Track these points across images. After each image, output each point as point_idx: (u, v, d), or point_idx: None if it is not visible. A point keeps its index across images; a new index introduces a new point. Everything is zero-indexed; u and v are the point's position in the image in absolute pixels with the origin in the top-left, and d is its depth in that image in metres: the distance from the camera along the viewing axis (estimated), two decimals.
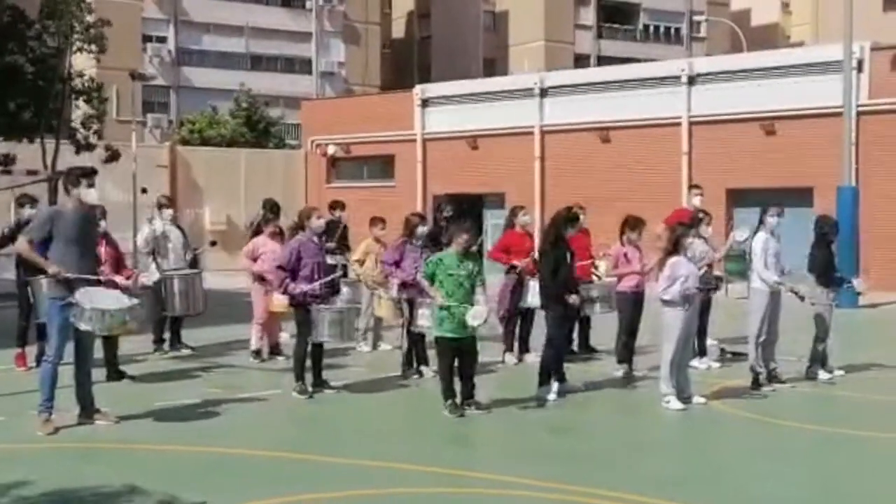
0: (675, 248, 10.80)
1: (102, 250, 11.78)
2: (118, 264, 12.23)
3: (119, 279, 11.49)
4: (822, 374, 12.40)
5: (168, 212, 14.36)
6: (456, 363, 10.35)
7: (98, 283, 9.54)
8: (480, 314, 10.05)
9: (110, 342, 11.95)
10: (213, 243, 16.64)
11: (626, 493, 7.39)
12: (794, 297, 11.78)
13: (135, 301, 9.56)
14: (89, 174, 9.47)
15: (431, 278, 10.33)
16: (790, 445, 9.32)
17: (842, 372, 12.55)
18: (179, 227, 14.55)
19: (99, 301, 9.14)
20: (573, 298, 11.06)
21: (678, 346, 10.64)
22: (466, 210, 19.61)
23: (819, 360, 12.37)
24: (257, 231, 14.32)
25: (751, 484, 7.87)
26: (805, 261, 12.26)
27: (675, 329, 10.64)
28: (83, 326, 9.09)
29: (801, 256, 12.31)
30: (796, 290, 11.72)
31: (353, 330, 12.12)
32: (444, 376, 10.33)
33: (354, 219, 15.89)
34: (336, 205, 15.80)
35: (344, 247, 15.33)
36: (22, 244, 9.46)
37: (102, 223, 11.93)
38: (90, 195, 9.45)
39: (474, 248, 10.72)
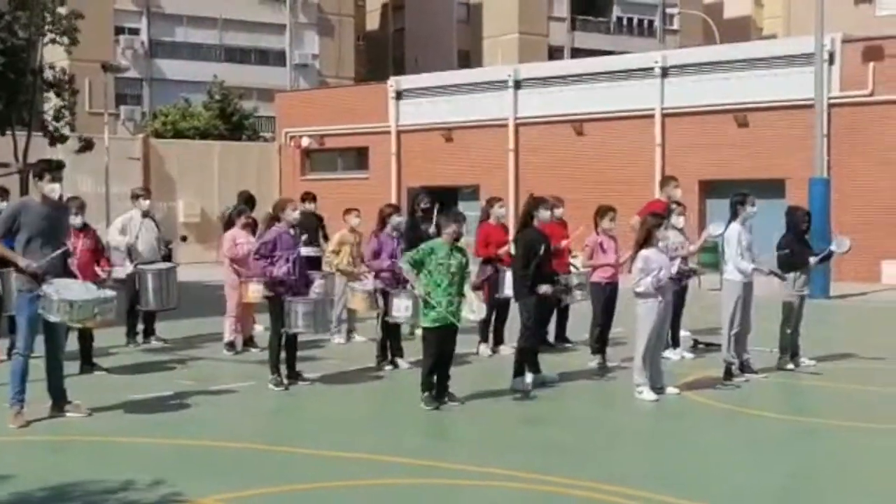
0: (646, 240, 10.83)
1: (80, 243, 11.73)
2: (97, 256, 12.16)
3: (97, 270, 11.52)
4: (806, 362, 12.51)
5: (144, 203, 14.26)
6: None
7: (67, 274, 9.49)
8: (480, 308, 10.13)
9: (85, 334, 11.89)
10: (184, 238, 16.57)
11: (599, 483, 7.42)
12: (772, 280, 11.86)
13: (108, 293, 9.49)
14: (53, 169, 9.37)
15: (418, 265, 10.19)
16: (763, 435, 9.38)
17: (813, 362, 12.65)
18: (153, 220, 14.47)
19: (68, 292, 9.08)
20: (544, 289, 11.03)
21: (651, 338, 10.68)
22: (443, 202, 19.51)
23: (788, 349, 12.46)
24: (229, 223, 14.24)
25: (724, 474, 7.92)
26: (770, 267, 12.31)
27: (648, 320, 10.68)
28: (52, 318, 9.03)
29: (772, 248, 12.37)
30: (776, 272, 11.80)
31: (327, 321, 12.09)
32: (427, 367, 10.28)
33: (329, 211, 15.85)
34: (307, 196, 15.77)
35: (323, 238, 15.33)
36: None
37: (79, 218, 11.92)
38: (53, 190, 9.33)
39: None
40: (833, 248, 12.91)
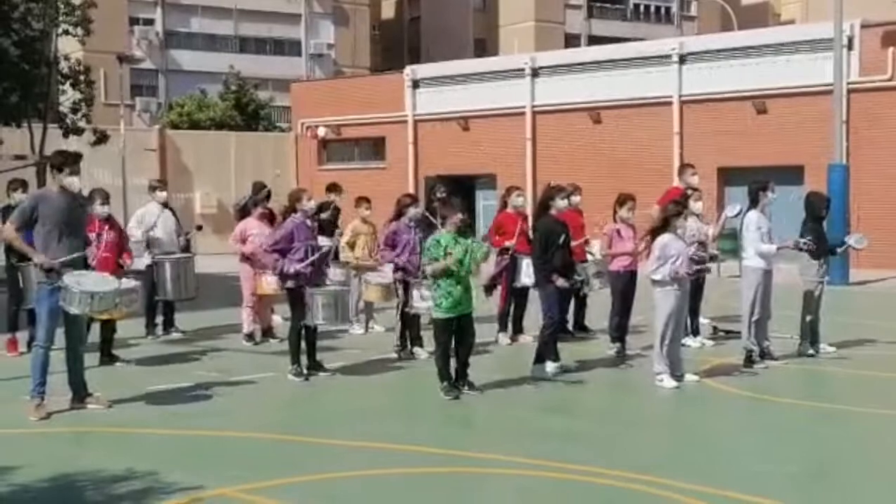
0: (663, 226, 10.78)
1: (104, 235, 11.73)
2: (120, 248, 12.14)
3: (121, 262, 11.54)
4: (826, 348, 12.46)
5: (161, 195, 14.26)
6: (452, 343, 10.33)
7: (86, 266, 9.51)
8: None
9: (107, 326, 11.92)
10: (199, 227, 16.54)
11: (619, 470, 7.39)
12: (792, 268, 11.79)
13: (131, 284, 9.51)
14: (72, 161, 9.37)
15: (435, 260, 10.17)
16: (783, 422, 9.34)
17: (833, 349, 12.59)
18: (172, 211, 14.46)
19: (88, 284, 9.09)
20: (560, 281, 10.99)
21: (669, 325, 10.63)
22: (458, 191, 19.50)
23: (808, 335, 12.40)
24: (244, 213, 14.24)
25: (744, 460, 7.88)
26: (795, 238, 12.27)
27: (666, 308, 10.64)
28: (73, 310, 9.04)
29: (790, 234, 12.31)
30: (802, 242, 11.73)
31: (348, 311, 12.06)
32: (441, 357, 10.30)
33: (345, 201, 15.79)
34: (333, 188, 15.69)
35: (335, 228, 15.24)
36: (9, 231, 9.37)
37: (106, 208, 11.91)
38: (73, 183, 9.35)
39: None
40: (851, 242, 12.81)
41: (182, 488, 7.01)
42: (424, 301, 11.47)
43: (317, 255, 11.22)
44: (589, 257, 13.36)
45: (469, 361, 10.42)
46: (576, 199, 13.69)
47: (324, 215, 13.12)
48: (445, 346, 10.26)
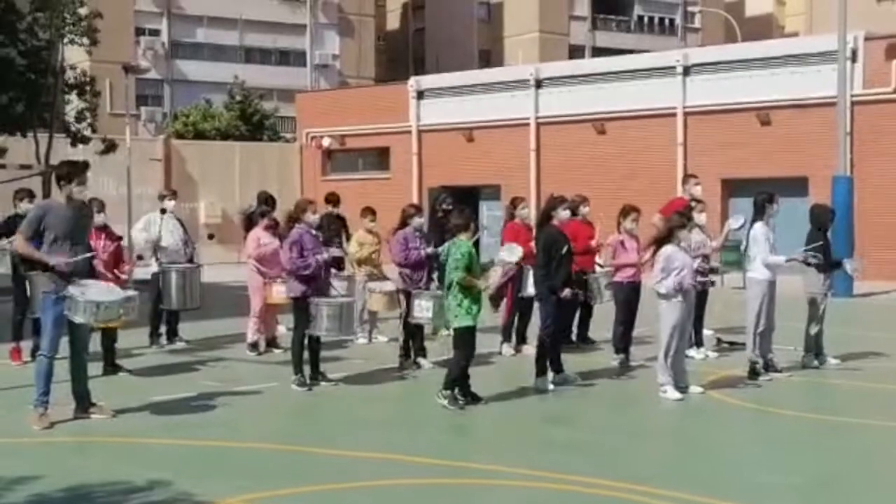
0: (667, 237, 10.78)
1: (101, 243, 11.74)
2: (117, 258, 12.16)
3: (118, 273, 11.52)
4: (830, 360, 12.45)
5: (170, 203, 14.30)
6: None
7: (93, 275, 9.53)
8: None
9: (108, 335, 11.92)
10: (211, 236, 16.61)
11: (623, 482, 7.39)
12: (794, 279, 11.79)
13: (130, 293, 9.52)
14: (80, 171, 9.39)
15: (468, 269, 10.09)
16: (787, 434, 9.33)
17: (837, 361, 12.58)
18: (179, 221, 14.48)
19: (93, 293, 9.10)
20: (565, 293, 10.98)
21: (674, 336, 10.62)
22: (462, 201, 19.50)
23: (813, 347, 12.39)
24: (250, 223, 14.23)
25: (748, 472, 7.87)
26: (800, 249, 12.26)
27: (670, 319, 10.62)
28: (78, 319, 9.05)
29: (794, 245, 12.30)
30: (810, 255, 11.72)
31: (352, 322, 12.04)
32: (462, 368, 10.18)
33: (350, 212, 15.84)
34: (331, 198, 15.73)
35: (346, 238, 15.25)
36: (20, 242, 9.39)
37: (101, 216, 11.89)
38: (81, 193, 9.38)
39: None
40: (847, 267, 12.79)
41: (185, 498, 7.02)
42: (426, 312, 11.48)
43: (319, 260, 11.23)
44: (598, 268, 13.34)
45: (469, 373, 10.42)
46: (585, 210, 13.67)
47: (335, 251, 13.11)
48: (470, 357, 10.20)
